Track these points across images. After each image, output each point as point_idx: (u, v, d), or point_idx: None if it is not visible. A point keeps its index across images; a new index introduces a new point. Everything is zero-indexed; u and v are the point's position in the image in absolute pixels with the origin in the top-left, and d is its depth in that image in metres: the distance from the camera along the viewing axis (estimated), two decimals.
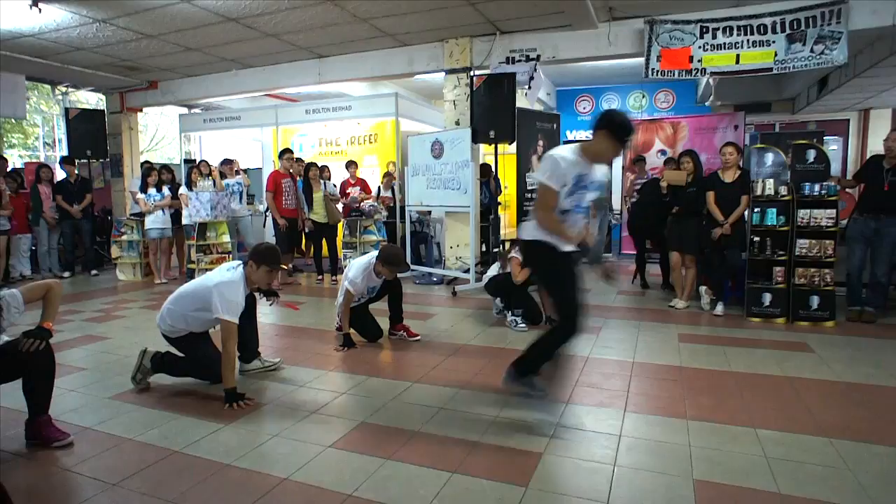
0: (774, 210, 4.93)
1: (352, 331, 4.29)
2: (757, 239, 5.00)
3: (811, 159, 5.02)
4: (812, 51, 5.65)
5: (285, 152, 7.38)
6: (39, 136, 18.20)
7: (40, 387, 2.61)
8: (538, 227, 2.76)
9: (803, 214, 4.83)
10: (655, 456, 2.49)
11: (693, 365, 3.75)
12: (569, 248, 2.75)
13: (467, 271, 6.81)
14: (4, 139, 16.98)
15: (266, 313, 5.67)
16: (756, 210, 5.00)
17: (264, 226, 8.71)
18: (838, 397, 3.22)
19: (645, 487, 2.23)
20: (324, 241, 7.43)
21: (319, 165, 7.58)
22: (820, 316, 4.81)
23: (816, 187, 4.80)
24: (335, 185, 7.87)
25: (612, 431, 2.74)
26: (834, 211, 4.77)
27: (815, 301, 4.82)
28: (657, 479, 2.29)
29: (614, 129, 2.60)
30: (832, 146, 8.74)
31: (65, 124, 9.17)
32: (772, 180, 5.00)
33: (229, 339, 3.12)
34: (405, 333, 4.47)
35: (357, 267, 4.23)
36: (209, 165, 7.73)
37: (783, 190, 4.92)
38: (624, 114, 2.68)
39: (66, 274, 8.06)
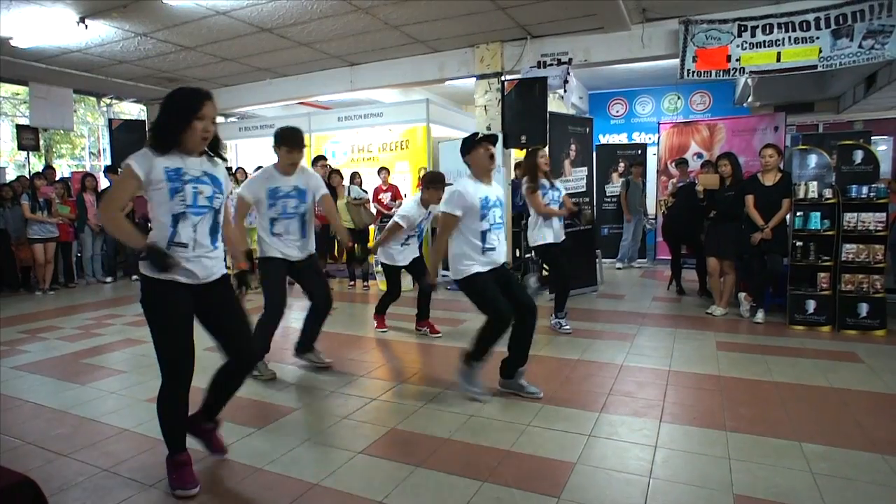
0: (818, 214, 4.74)
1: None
2: (800, 244, 4.81)
3: (858, 160, 4.81)
4: (861, 46, 5.42)
5: (319, 159, 7.47)
6: (86, 147, 18.94)
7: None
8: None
9: (850, 218, 4.63)
10: (693, 468, 2.40)
11: (732, 374, 3.62)
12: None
13: None
14: (54, 150, 17.75)
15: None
16: (798, 214, 4.82)
17: None
18: (891, 410, 3.05)
19: (682, 501, 2.15)
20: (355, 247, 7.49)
21: (351, 172, 7.66)
22: (869, 324, 4.60)
23: (865, 190, 4.60)
24: (365, 191, 7.93)
25: (647, 442, 2.65)
26: (883, 214, 4.56)
27: (863, 308, 4.61)
28: (695, 492, 2.20)
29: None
30: (881, 147, 8.33)
31: (108, 135, 9.52)
32: (815, 183, 4.81)
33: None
34: (429, 330, 4.77)
35: (406, 204, 4.79)
36: (245, 173, 7.90)
37: (828, 193, 4.73)
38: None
39: (109, 279, 8.32)
